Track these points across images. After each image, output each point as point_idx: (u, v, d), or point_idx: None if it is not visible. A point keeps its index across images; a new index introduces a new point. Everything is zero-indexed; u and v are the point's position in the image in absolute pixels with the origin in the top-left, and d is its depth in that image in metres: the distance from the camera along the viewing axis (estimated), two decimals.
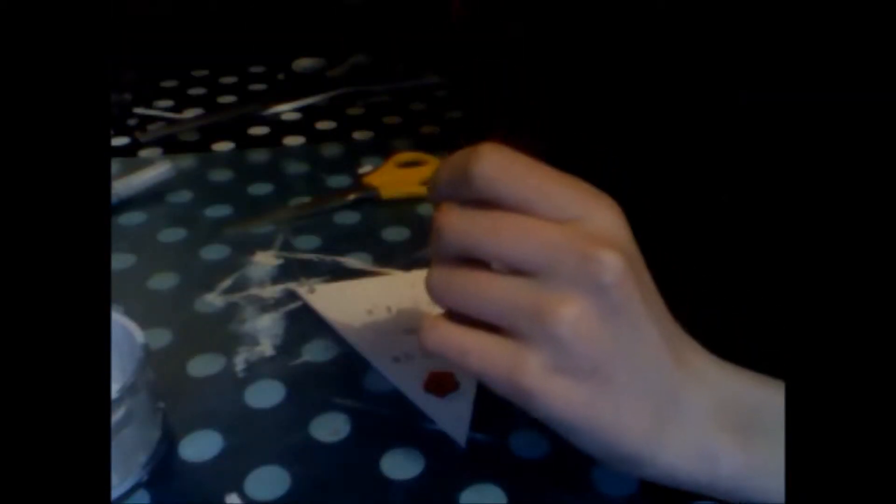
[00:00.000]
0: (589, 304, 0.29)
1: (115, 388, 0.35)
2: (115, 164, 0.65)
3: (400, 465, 0.38)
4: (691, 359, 0.32)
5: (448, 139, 0.71)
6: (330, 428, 0.40)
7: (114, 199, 0.58)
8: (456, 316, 0.32)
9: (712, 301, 0.43)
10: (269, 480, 0.37)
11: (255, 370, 0.44)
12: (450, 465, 0.38)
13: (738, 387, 0.32)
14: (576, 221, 0.30)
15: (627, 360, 0.30)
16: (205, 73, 0.86)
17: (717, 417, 0.31)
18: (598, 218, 0.30)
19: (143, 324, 0.39)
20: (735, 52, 0.40)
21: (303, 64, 0.86)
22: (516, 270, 0.30)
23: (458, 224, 0.31)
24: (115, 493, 0.36)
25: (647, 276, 0.31)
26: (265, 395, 0.42)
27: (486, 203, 0.31)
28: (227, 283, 0.51)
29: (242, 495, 0.36)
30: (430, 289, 0.32)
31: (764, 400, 0.32)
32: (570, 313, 0.29)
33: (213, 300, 0.49)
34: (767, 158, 0.38)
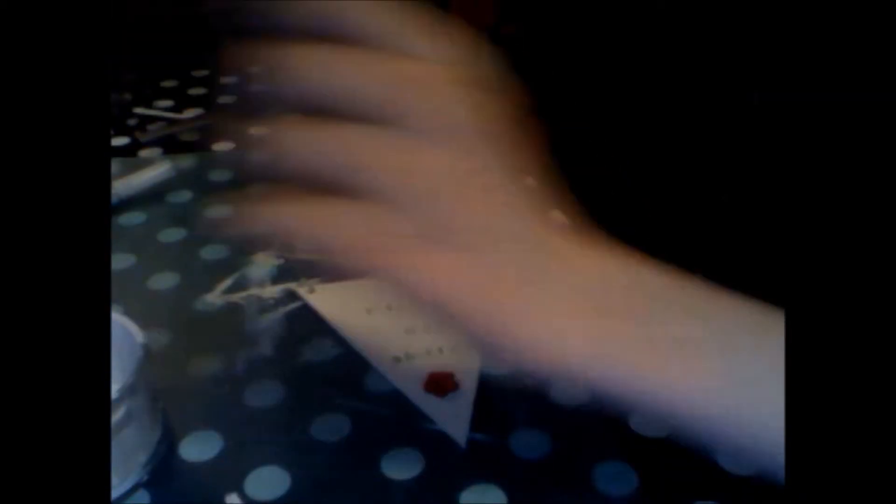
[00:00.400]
0: (448, 157, 0.26)
1: (115, 388, 0.35)
2: (115, 164, 0.65)
3: (400, 465, 0.38)
4: (556, 232, 0.29)
5: None
6: (330, 428, 0.40)
7: (114, 199, 0.58)
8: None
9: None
10: (269, 480, 0.37)
11: (255, 370, 0.44)
12: (450, 465, 0.38)
13: (611, 271, 0.29)
14: (429, 61, 0.27)
15: (487, 213, 0.27)
16: (205, 73, 0.86)
17: (582, 297, 0.28)
18: (450, 56, 0.28)
19: (143, 324, 0.39)
20: (734, 52, 0.40)
21: None
22: (373, 121, 0.27)
23: (303, 67, 0.28)
24: (115, 493, 0.36)
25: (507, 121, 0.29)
26: (265, 395, 0.42)
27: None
28: (227, 283, 0.51)
29: (242, 495, 0.36)
30: (276, 146, 0.29)
31: (640, 290, 0.29)
32: (431, 168, 0.26)
33: (213, 300, 0.49)
34: (767, 158, 0.38)
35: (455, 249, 0.27)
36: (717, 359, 0.27)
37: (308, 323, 0.48)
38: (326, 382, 0.43)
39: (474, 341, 0.28)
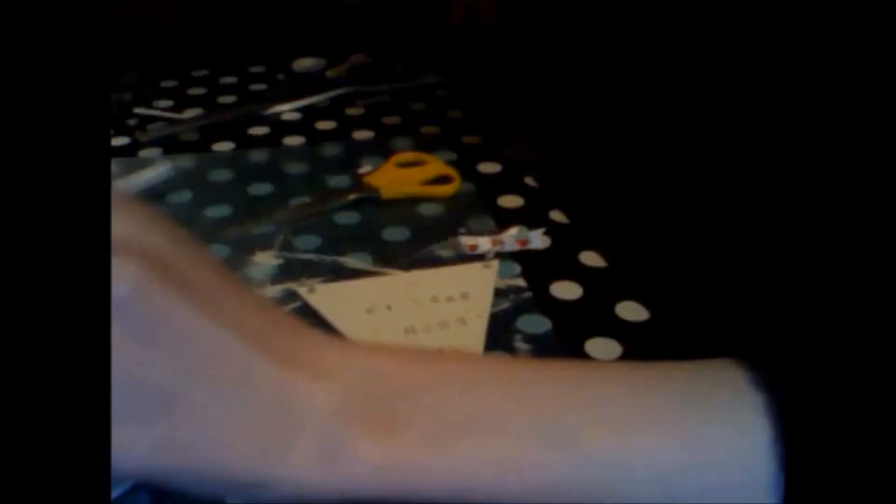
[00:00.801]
0: (120, 330, 0.23)
1: None
2: (115, 164, 0.65)
3: None
4: (307, 355, 0.27)
5: (448, 139, 0.71)
6: None
7: None
8: None
9: (713, 298, 0.43)
10: None
11: None
12: None
13: (376, 375, 0.27)
14: None
15: (201, 380, 0.25)
16: (205, 73, 0.86)
17: (346, 414, 0.26)
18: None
19: None
20: (733, 52, 0.40)
21: (303, 64, 0.86)
22: None
23: None
24: (115, 493, 0.36)
25: (201, 273, 0.26)
26: None
27: None
28: None
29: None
30: None
31: (411, 383, 0.27)
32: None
33: None
34: (766, 158, 0.38)
35: (176, 421, 0.24)
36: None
37: (308, 323, 0.47)
38: None
39: None
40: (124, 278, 0.23)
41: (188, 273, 0.25)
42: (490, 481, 0.26)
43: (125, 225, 0.25)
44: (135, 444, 0.24)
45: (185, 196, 0.61)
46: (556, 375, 0.28)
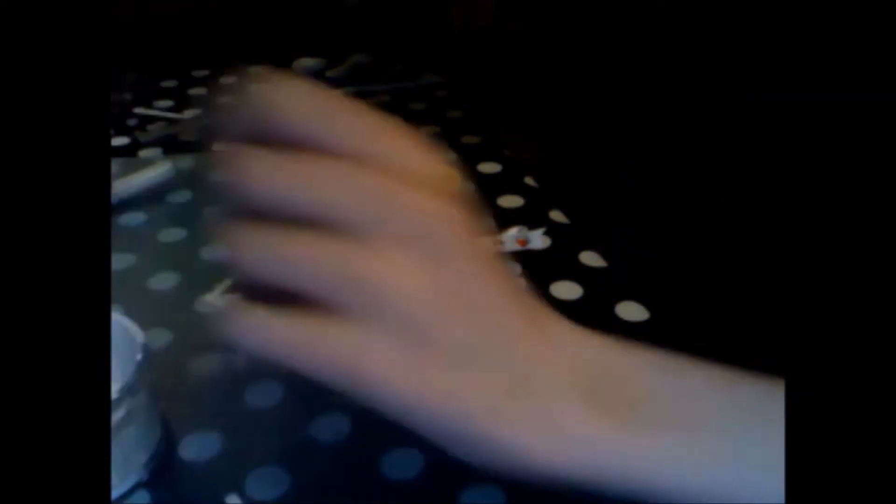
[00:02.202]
0: (427, 269, 0.25)
1: (115, 388, 0.35)
2: (115, 164, 0.65)
3: (400, 465, 0.38)
4: (546, 326, 0.28)
5: (448, 139, 0.71)
6: (330, 428, 0.40)
7: (114, 199, 0.58)
8: (257, 294, 0.26)
9: (713, 298, 0.43)
10: (269, 480, 0.37)
11: (255, 370, 0.44)
12: (450, 465, 0.38)
13: (602, 358, 0.28)
14: (400, 166, 0.25)
15: (471, 329, 0.26)
16: (205, 73, 0.86)
17: (579, 391, 0.27)
18: (422, 162, 0.26)
19: (143, 324, 0.39)
20: (733, 52, 0.40)
21: (303, 64, 0.86)
22: (334, 228, 0.25)
23: (262, 170, 0.25)
24: (115, 493, 0.36)
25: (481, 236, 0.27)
26: (265, 395, 0.42)
27: (285, 146, 0.26)
28: (227, 283, 0.51)
29: (242, 495, 0.36)
30: (233, 250, 0.26)
31: (633, 373, 0.28)
32: (409, 283, 0.24)
33: (213, 300, 0.49)
34: (766, 158, 0.38)
35: (439, 367, 0.25)
36: (719, 438, 0.27)
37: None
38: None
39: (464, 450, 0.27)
40: (446, 220, 0.25)
41: (472, 226, 0.26)
42: (685, 475, 0.26)
43: (436, 166, 0.26)
44: (411, 381, 0.25)
45: (185, 196, 0.61)
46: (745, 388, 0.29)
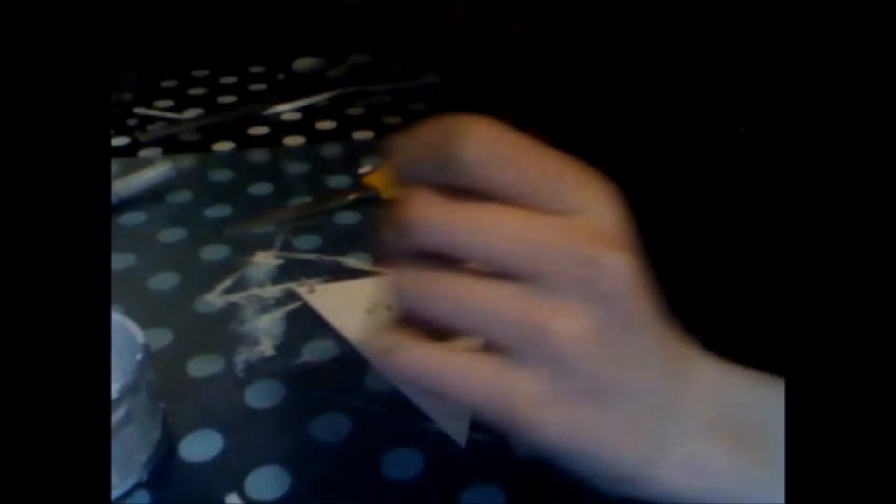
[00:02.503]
0: (594, 318, 0.25)
1: (115, 388, 0.35)
2: (115, 164, 0.65)
3: (400, 465, 0.38)
4: (689, 363, 0.29)
5: None
6: (330, 428, 0.40)
7: (114, 199, 0.58)
8: (423, 329, 0.27)
9: (711, 300, 0.43)
10: (269, 480, 0.37)
11: (255, 370, 0.44)
12: (450, 465, 0.38)
13: (738, 389, 0.29)
14: (575, 215, 0.26)
15: (631, 376, 0.26)
16: (205, 73, 0.86)
17: (716, 426, 0.28)
18: (600, 211, 0.26)
19: (143, 324, 0.39)
20: (732, 52, 0.40)
21: (303, 64, 0.86)
22: (504, 274, 0.26)
23: (435, 216, 0.26)
24: (115, 493, 0.36)
25: (646, 277, 0.27)
26: (265, 395, 0.42)
27: (464, 190, 0.26)
28: (227, 283, 0.51)
29: (242, 495, 0.36)
30: (399, 292, 0.27)
31: (765, 402, 0.29)
32: (573, 329, 0.25)
33: (213, 300, 0.49)
34: (766, 158, 0.38)
35: (588, 406, 0.26)
36: None
37: (308, 323, 0.48)
38: (326, 382, 0.43)
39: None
40: (620, 275, 0.25)
41: (641, 272, 0.26)
42: None
43: (614, 215, 0.26)
44: (566, 422, 0.26)
45: (185, 196, 0.61)
46: None
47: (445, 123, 0.26)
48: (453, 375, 0.26)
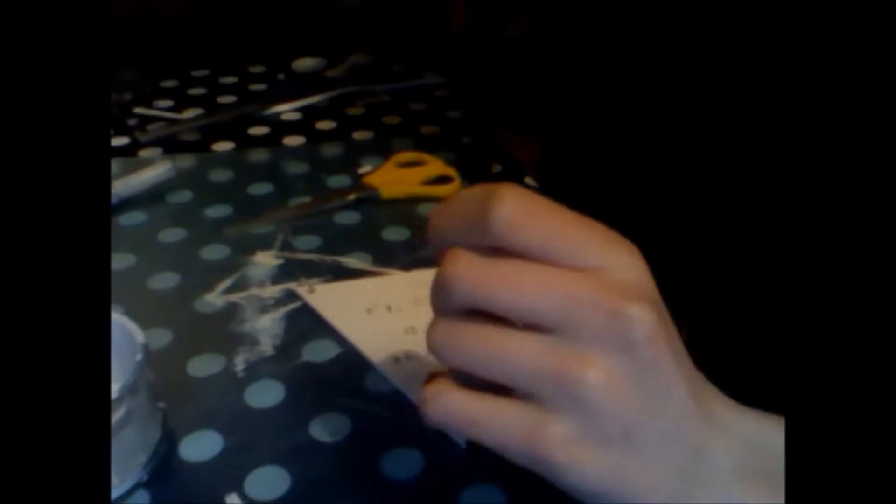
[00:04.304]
0: (619, 365, 0.27)
1: (115, 388, 0.35)
2: (115, 164, 0.65)
3: (400, 465, 0.38)
4: (713, 408, 0.30)
5: (448, 139, 0.71)
6: (330, 428, 0.40)
7: (114, 199, 0.58)
8: (459, 376, 0.29)
9: (714, 305, 0.43)
10: (269, 480, 0.37)
11: (255, 370, 0.44)
12: (450, 465, 0.38)
13: (762, 434, 0.30)
14: (599, 271, 0.28)
15: (656, 421, 0.28)
16: (205, 73, 0.86)
17: (742, 470, 0.29)
18: (623, 266, 0.28)
19: (143, 324, 0.39)
20: (732, 52, 0.40)
21: (303, 64, 0.86)
22: (533, 326, 0.28)
23: (470, 274, 0.28)
24: (115, 493, 0.36)
25: (671, 326, 0.29)
26: (265, 395, 0.42)
27: (497, 250, 0.28)
28: (227, 283, 0.51)
29: (242, 495, 0.36)
30: (435, 345, 0.29)
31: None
32: (599, 376, 0.26)
33: (213, 300, 0.49)
34: (765, 158, 0.38)
35: (615, 449, 0.27)
36: None
37: (308, 323, 0.48)
38: (326, 382, 0.43)
39: None
40: (644, 325, 0.27)
41: (666, 321, 0.28)
42: None
43: (636, 269, 0.28)
44: (593, 464, 0.27)
45: (185, 196, 0.61)
46: None
47: (478, 190, 0.29)
48: (486, 421, 0.28)
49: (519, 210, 0.28)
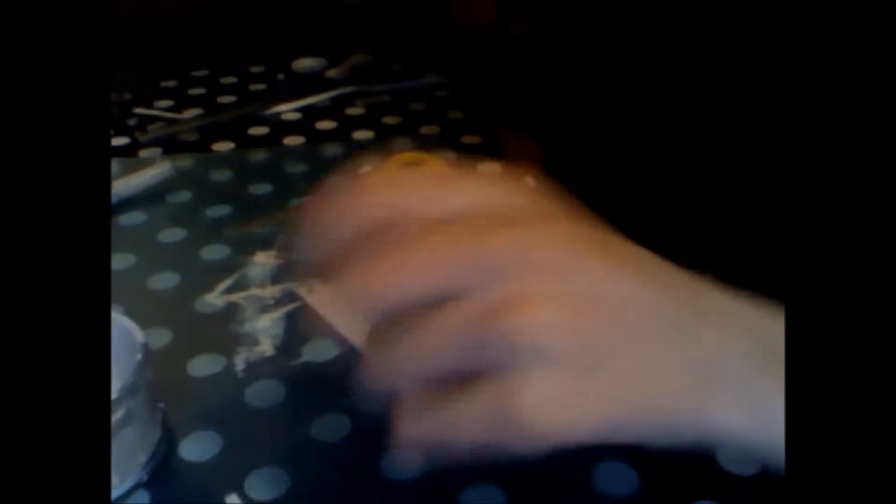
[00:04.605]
0: (552, 295, 0.25)
1: (115, 388, 0.35)
2: (115, 164, 0.65)
3: (400, 465, 0.38)
4: (715, 303, 0.28)
5: (448, 139, 0.71)
6: (330, 428, 0.40)
7: (114, 199, 0.58)
8: (423, 388, 0.28)
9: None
10: (269, 480, 0.37)
11: (255, 370, 0.44)
12: (450, 465, 0.38)
13: (770, 321, 0.28)
14: (488, 211, 0.27)
15: (632, 339, 0.26)
16: (205, 73, 0.86)
17: (759, 358, 0.27)
18: (504, 194, 0.28)
19: (143, 324, 0.39)
20: (732, 52, 0.40)
21: (303, 64, 0.86)
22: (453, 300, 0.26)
23: (384, 277, 0.27)
24: (115, 493, 0.36)
25: (620, 251, 0.28)
26: (265, 395, 0.42)
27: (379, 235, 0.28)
28: (227, 283, 0.51)
29: (242, 495, 0.36)
30: (378, 383, 0.29)
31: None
32: (537, 315, 0.25)
33: (213, 300, 0.49)
34: (765, 158, 0.38)
35: (617, 383, 0.26)
36: None
37: (307, 323, 0.48)
38: (326, 382, 0.43)
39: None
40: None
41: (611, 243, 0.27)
42: None
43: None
44: (565, 407, 0.25)
45: (185, 196, 0.61)
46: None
47: (349, 184, 0.29)
48: (456, 429, 0.26)
49: (382, 179, 0.28)
